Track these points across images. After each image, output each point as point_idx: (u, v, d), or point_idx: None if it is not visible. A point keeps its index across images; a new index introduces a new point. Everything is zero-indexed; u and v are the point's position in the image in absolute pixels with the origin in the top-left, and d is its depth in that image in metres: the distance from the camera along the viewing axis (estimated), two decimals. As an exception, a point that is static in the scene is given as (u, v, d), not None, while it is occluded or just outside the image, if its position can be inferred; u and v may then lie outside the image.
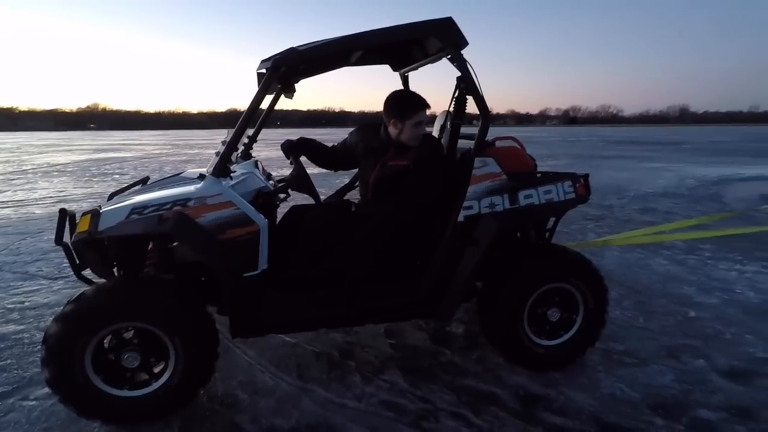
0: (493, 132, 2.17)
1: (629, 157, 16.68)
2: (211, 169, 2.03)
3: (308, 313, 2.16)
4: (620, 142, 27.74)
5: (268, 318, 2.10)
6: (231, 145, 2.01)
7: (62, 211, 1.96)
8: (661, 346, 2.59)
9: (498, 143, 2.28)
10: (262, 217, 2.00)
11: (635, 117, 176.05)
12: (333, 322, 2.28)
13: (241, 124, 2.01)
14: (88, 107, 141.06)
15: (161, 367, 1.95)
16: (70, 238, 1.96)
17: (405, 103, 2.25)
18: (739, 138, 32.14)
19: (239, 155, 2.77)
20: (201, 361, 1.96)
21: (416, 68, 2.77)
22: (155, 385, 1.94)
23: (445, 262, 2.19)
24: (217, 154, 2.06)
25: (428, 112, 2.32)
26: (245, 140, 2.89)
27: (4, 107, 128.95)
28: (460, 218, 2.15)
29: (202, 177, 2.07)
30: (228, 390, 2.19)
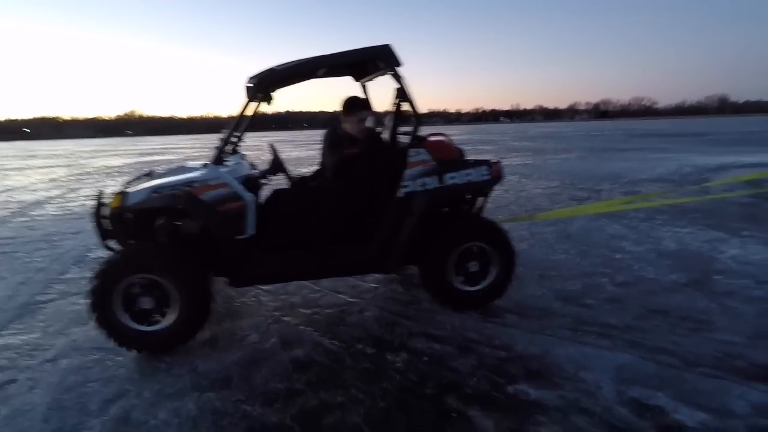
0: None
1: (643, 149, 17.11)
2: (212, 159, 2.70)
3: (286, 269, 2.78)
4: (642, 135, 27.92)
5: (255, 272, 2.70)
6: (224, 142, 2.74)
7: (99, 193, 2.77)
8: (582, 272, 3.71)
9: (430, 138, 2.91)
10: (249, 194, 2.60)
11: (670, 109, 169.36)
12: (306, 276, 3.01)
13: (233, 127, 2.76)
14: (125, 114, 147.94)
15: (168, 310, 2.50)
16: (99, 216, 2.66)
17: (350, 104, 2.98)
18: (771, 127, 31.61)
19: (230, 151, 3.11)
20: (197, 306, 2.51)
21: (371, 79, 3.36)
22: (164, 324, 2.50)
23: (390, 228, 2.78)
24: (215, 149, 2.73)
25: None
26: (234, 140, 3.16)
27: (50, 117, 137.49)
28: (400, 195, 2.75)
29: (205, 165, 2.67)
30: (288, 291, 3.48)
